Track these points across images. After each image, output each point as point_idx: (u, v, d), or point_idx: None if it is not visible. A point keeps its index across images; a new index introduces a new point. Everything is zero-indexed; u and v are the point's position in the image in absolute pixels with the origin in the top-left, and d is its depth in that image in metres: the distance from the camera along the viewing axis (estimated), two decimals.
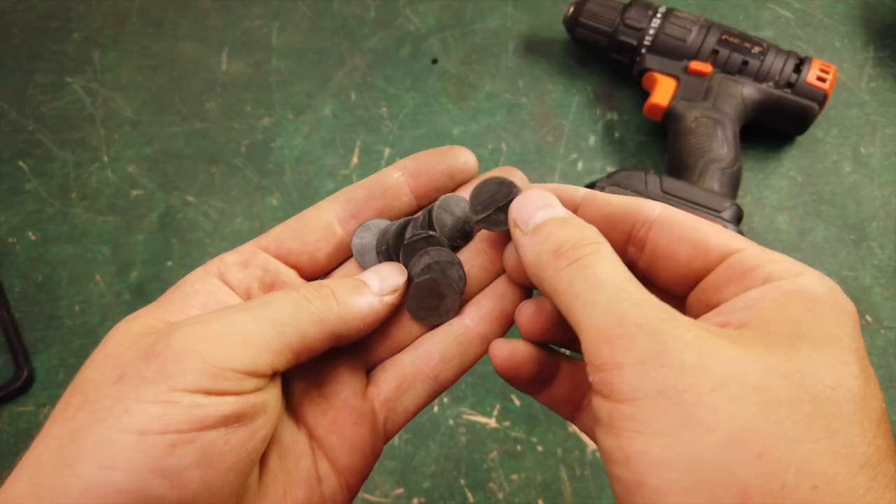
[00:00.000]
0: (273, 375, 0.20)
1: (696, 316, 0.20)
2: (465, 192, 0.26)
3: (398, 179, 0.26)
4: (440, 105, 0.53)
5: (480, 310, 0.24)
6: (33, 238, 0.48)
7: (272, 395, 0.20)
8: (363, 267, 0.25)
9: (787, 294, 0.19)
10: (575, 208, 0.23)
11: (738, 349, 0.17)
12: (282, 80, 0.54)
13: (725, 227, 0.38)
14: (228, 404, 0.18)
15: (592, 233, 0.21)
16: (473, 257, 0.25)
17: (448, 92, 0.53)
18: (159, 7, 0.57)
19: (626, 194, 0.39)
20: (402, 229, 0.25)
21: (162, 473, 0.17)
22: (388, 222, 0.26)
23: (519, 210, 0.22)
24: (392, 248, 0.25)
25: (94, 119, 0.52)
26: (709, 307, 0.20)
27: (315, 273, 0.26)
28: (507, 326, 0.25)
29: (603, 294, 0.18)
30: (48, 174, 0.50)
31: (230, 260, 0.24)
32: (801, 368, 0.17)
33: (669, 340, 0.17)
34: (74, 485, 0.17)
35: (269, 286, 0.24)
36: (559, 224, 0.21)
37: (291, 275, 0.25)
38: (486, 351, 0.24)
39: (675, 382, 0.16)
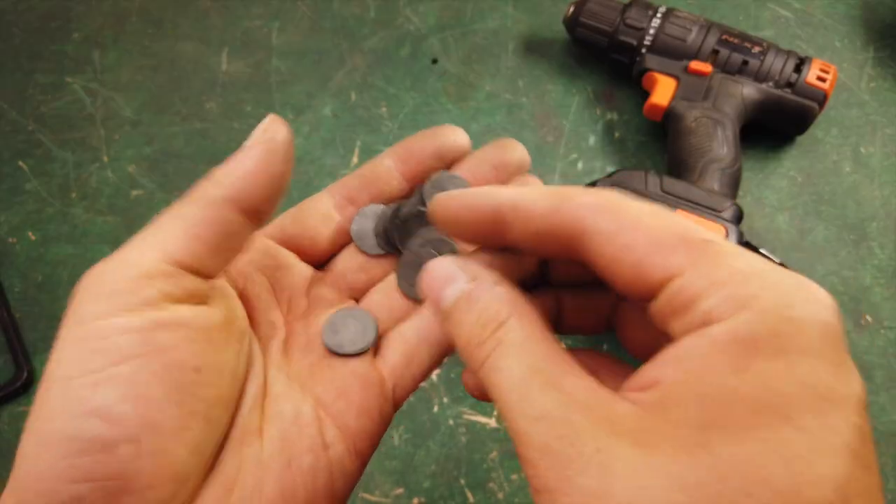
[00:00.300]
0: (194, 273, 0.20)
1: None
2: (461, 171, 0.26)
3: (389, 165, 0.26)
4: (440, 105, 0.53)
5: None
6: (33, 238, 0.48)
7: (201, 310, 0.20)
8: (363, 251, 0.26)
9: (715, 347, 0.15)
10: (500, 222, 0.19)
11: (642, 458, 0.14)
12: (282, 80, 0.54)
13: (726, 228, 0.38)
14: (135, 327, 0.18)
15: (496, 311, 0.18)
16: None
17: (448, 92, 0.53)
18: (159, 7, 0.57)
19: (625, 194, 0.39)
20: (396, 211, 0.25)
21: (94, 413, 0.17)
22: (385, 206, 0.26)
23: (428, 287, 0.20)
24: (388, 231, 0.25)
25: (94, 119, 0.52)
26: (664, 330, 0.17)
27: (316, 256, 0.26)
28: None
29: (507, 408, 0.16)
30: (48, 174, 0.50)
31: None
32: (712, 474, 0.13)
33: (572, 461, 0.15)
34: (32, 442, 0.17)
35: (272, 269, 0.25)
36: (465, 306, 0.18)
37: (291, 257, 0.25)
38: None
39: None
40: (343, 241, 0.27)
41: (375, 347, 0.24)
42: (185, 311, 0.19)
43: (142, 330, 0.18)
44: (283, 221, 0.26)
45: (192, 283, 0.20)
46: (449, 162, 0.27)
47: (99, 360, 0.18)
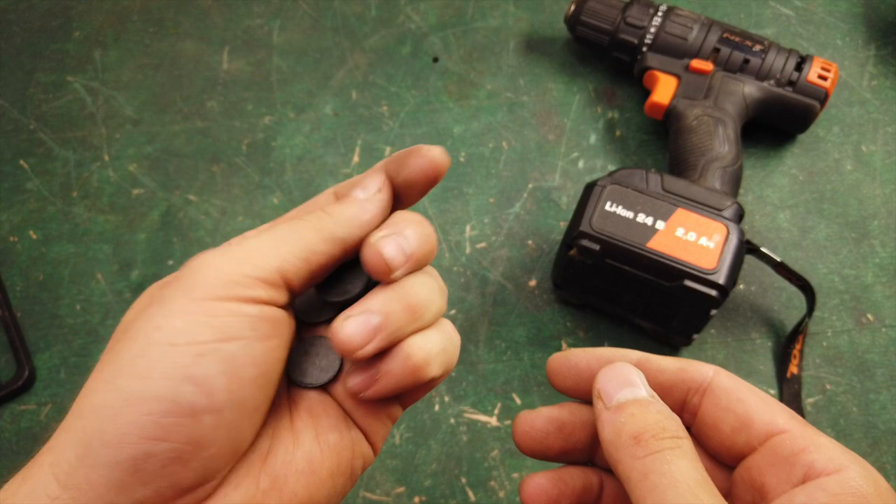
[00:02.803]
0: (287, 288, 0.22)
1: (740, 496, 0.21)
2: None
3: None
4: (441, 103, 0.53)
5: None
6: (35, 237, 0.48)
7: (285, 315, 0.22)
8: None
9: (835, 498, 0.18)
10: None
11: None
12: (283, 79, 0.54)
13: (727, 226, 0.38)
14: (245, 313, 0.20)
15: (675, 425, 0.21)
16: None
17: (449, 90, 0.53)
18: (160, 6, 0.57)
19: (626, 192, 0.39)
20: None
21: (192, 380, 0.19)
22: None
23: (604, 383, 0.22)
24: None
25: (95, 118, 0.52)
26: (752, 487, 0.21)
27: None
28: None
29: (675, 495, 0.19)
30: (49, 173, 0.50)
31: None
32: None
33: None
34: (115, 397, 0.19)
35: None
36: (642, 407, 0.21)
37: None
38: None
39: None
40: None
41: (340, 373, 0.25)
42: (281, 314, 0.22)
43: (252, 317, 0.20)
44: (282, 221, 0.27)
45: (286, 295, 0.22)
46: (429, 182, 0.25)
47: (207, 334, 0.19)
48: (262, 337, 0.21)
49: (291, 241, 0.22)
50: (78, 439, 0.19)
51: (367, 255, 0.22)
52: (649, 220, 0.39)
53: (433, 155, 0.24)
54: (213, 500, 0.20)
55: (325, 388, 0.24)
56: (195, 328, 0.19)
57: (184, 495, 0.19)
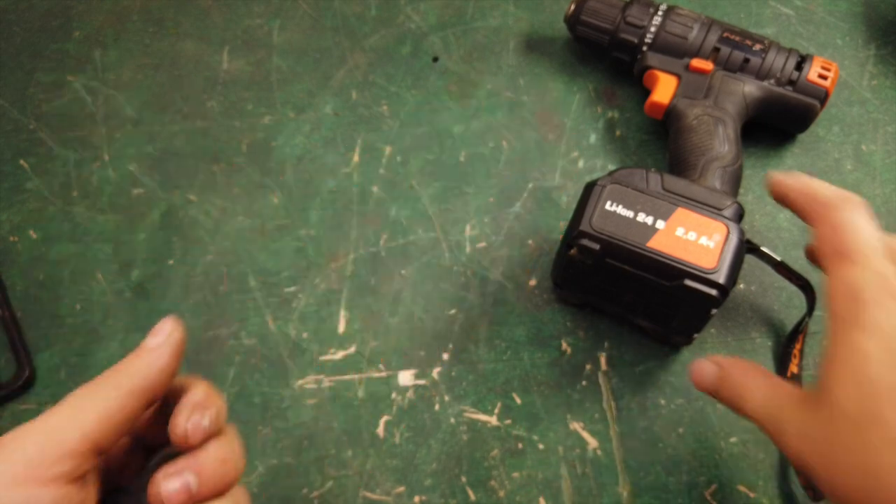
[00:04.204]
0: (97, 451, 0.23)
1: None
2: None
3: None
4: (441, 103, 0.53)
5: None
6: (35, 237, 0.48)
7: (87, 490, 0.23)
8: None
9: None
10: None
11: None
12: (283, 79, 0.54)
13: (727, 226, 0.38)
14: (43, 501, 0.21)
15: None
16: None
17: (449, 90, 0.53)
18: (160, 6, 0.57)
19: (626, 191, 0.39)
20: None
21: None
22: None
23: (700, 372, 0.34)
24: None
25: (95, 118, 0.52)
26: None
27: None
28: None
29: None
30: (49, 173, 0.50)
31: None
32: None
33: None
34: None
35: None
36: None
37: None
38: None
39: None
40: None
41: None
42: (75, 493, 0.22)
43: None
44: None
45: (92, 461, 0.23)
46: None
47: None
48: None
49: (90, 407, 0.23)
50: None
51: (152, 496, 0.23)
52: (649, 220, 0.39)
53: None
54: None
55: None
56: None
57: None
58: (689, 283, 0.37)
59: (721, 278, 0.37)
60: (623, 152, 0.51)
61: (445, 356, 0.44)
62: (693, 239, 0.38)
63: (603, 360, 0.44)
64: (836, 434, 0.24)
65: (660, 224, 0.38)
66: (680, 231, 0.38)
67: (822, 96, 0.47)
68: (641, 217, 0.39)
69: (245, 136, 0.51)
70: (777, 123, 0.49)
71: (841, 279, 0.27)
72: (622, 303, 0.42)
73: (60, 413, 0.23)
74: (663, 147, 0.50)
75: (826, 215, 0.29)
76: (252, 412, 0.43)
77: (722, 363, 0.33)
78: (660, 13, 0.49)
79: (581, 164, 0.50)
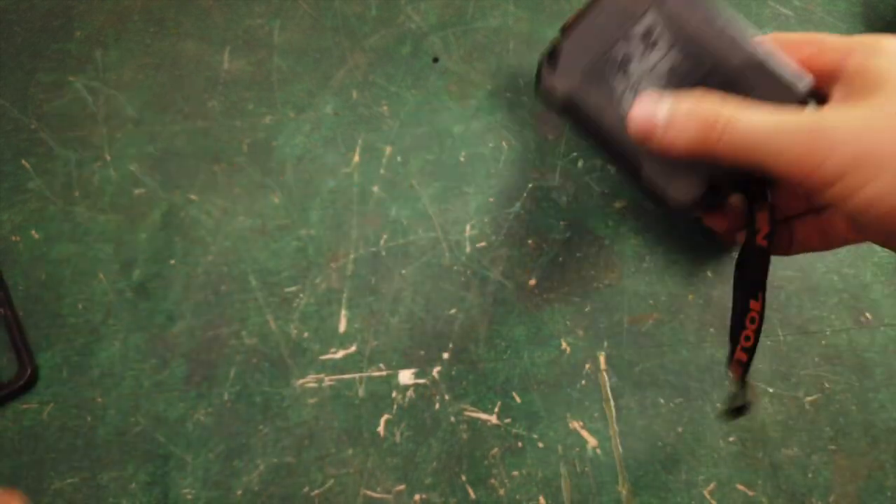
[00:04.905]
0: None
1: None
2: None
3: None
4: (441, 103, 0.53)
5: None
6: (36, 236, 0.48)
7: None
8: None
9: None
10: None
11: None
12: (283, 79, 0.54)
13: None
14: None
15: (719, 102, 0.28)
16: None
17: (449, 90, 0.53)
18: (161, 6, 0.57)
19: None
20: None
21: None
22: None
23: (640, 114, 0.29)
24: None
25: (96, 118, 0.52)
26: None
27: None
28: None
29: (762, 140, 0.26)
30: (50, 173, 0.50)
31: None
32: None
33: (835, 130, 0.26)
34: None
35: None
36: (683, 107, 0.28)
37: None
38: None
39: None
40: None
41: None
42: None
43: None
44: None
45: None
46: None
47: None
48: None
49: None
50: None
51: None
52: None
53: None
54: None
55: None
56: None
57: None
58: None
59: None
60: None
61: (445, 355, 0.44)
62: None
63: (602, 360, 0.44)
64: (883, 131, 0.24)
65: None
66: None
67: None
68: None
69: (246, 136, 0.52)
70: None
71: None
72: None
73: None
74: None
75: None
76: (253, 411, 0.43)
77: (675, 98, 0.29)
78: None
79: (581, 164, 0.50)
